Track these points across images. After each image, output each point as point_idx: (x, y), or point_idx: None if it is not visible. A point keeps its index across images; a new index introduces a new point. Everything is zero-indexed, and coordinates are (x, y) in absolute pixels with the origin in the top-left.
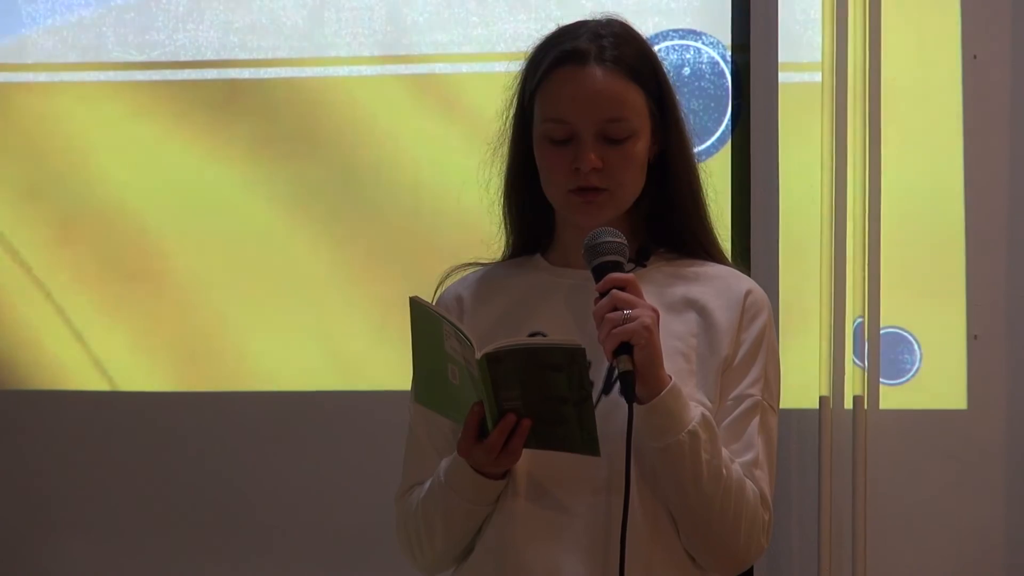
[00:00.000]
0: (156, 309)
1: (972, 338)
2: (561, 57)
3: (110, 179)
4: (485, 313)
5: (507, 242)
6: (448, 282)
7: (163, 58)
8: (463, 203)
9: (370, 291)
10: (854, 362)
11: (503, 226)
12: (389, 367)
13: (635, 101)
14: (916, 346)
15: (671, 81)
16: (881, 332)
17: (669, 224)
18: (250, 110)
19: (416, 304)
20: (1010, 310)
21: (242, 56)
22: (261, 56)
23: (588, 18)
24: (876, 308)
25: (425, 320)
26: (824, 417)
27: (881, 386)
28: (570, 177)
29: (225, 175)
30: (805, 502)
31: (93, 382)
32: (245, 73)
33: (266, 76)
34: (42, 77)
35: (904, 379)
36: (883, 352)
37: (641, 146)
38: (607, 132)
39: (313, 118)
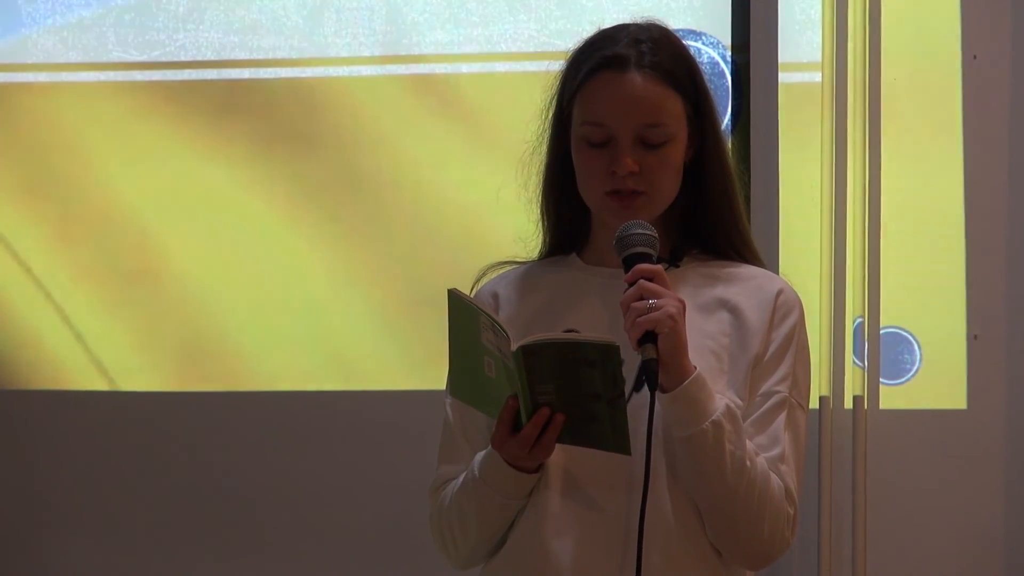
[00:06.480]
0: (156, 309)
1: (972, 338)
2: (601, 62)
3: (110, 179)
4: (520, 310)
5: (543, 241)
6: (484, 280)
7: (163, 58)
8: (464, 203)
9: (370, 291)
10: (854, 362)
11: (540, 225)
12: (389, 367)
13: (673, 106)
14: (916, 346)
15: (708, 84)
16: (881, 332)
17: (702, 226)
18: (250, 110)
19: (454, 296)
20: (1010, 310)
21: (242, 56)
22: (261, 56)
23: (628, 21)
24: (876, 308)
25: (462, 312)
26: (824, 417)
27: (881, 386)
28: (606, 180)
29: (225, 175)
30: (805, 502)
31: (93, 382)
32: (245, 73)
33: (266, 76)
34: (42, 77)
35: (904, 379)
36: (883, 352)
37: (677, 150)
38: (644, 137)
39: (313, 118)
